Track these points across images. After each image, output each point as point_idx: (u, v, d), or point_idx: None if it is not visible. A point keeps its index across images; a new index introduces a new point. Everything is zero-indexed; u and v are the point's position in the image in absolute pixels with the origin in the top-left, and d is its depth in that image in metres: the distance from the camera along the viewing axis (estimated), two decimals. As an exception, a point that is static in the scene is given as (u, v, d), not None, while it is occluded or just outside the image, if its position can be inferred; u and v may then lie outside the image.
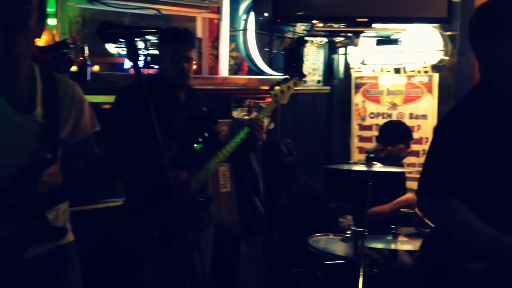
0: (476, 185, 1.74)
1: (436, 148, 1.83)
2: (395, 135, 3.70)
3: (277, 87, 2.97)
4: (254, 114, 4.15)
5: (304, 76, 3.04)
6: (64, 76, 1.91)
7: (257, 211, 3.81)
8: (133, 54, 1.63)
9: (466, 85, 4.26)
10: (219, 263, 2.97)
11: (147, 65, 3.36)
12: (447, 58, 4.52)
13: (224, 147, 2.77)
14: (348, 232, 3.22)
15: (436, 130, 1.86)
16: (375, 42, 4.61)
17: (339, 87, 4.95)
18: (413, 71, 4.64)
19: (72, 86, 1.88)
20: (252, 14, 4.31)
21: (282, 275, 3.61)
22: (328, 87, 4.90)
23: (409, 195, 3.60)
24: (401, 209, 3.61)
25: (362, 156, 4.22)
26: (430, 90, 4.58)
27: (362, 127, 4.83)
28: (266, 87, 4.30)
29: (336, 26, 4.41)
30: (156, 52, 3.17)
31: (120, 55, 3.68)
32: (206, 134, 2.65)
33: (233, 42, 4.33)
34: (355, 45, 4.42)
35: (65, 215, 1.91)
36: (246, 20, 4.30)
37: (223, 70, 4.22)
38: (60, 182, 1.86)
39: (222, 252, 3.01)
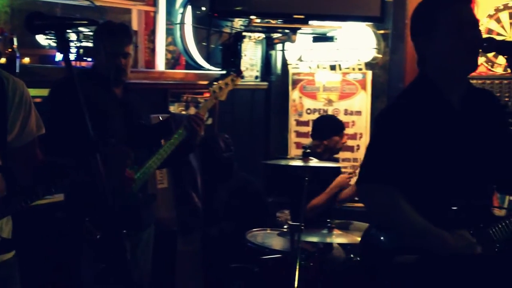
0: (415, 174, 1.79)
1: (376, 138, 1.89)
2: (328, 128, 3.79)
3: (215, 84, 2.96)
4: (192, 110, 4.12)
5: (241, 72, 3.04)
6: (10, 74, 1.78)
7: (194, 207, 3.78)
8: (63, 46, 1.57)
9: (398, 82, 4.40)
10: (156, 260, 2.93)
11: (79, 57, 3.25)
12: (380, 56, 4.65)
13: (164, 145, 2.73)
14: (285, 226, 3.25)
15: (377, 120, 1.92)
16: (312, 39, 4.68)
17: (277, 83, 4.99)
18: (348, 68, 4.74)
19: (20, 85, 1.76)
20: (189, 7, 4.26)
21: (219, 271, 3.60)
22: (266, 83, 4.92)
23: (338, 178, 3.69)
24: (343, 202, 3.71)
25: (300, 151, 4.27)
26: (364, 87, 4.69)
27: (299, 123, 4.89)
28: (204, 82, 4.27)
29: (273, 22, 4.44)
30: (90, 44, 3.08)
31: (51, 47, 3.54)
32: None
33: (170, 35, 4.26)
34: (292, 41, 4.47)
35: (9, 225, 1.80)
36: (183, 14, 4.25)
37: (160, 64, 4.16)
38: (3, 190, 1.74)
39: (158, 249, 2.96)
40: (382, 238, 1.92)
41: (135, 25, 4.06)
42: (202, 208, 3.84)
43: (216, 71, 4.40)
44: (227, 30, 4.47)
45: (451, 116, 1.84)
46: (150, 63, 4.15)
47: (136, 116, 2.76)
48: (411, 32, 1.92)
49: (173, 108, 4.08)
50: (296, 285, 2.92)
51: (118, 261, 1.62)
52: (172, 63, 4.37)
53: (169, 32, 4.25)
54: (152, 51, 4.15)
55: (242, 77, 2.98)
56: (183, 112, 4.06)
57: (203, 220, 3.84)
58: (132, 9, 4.06)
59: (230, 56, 4.30)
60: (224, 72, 4.39)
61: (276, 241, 3.38)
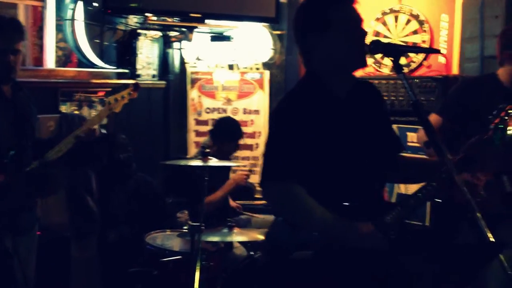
0: (313, 168, 1.82)
1: (273, 136, 1.89)
2: (223, 133, 3.81)
3: (111, 96, 2.89)
4: (85, 110, 3.96)
5: (139, 87, 2.99)
6: None
7: (89, 210, 3.64)
8: None
9: (293, 82, 4.46)
10: (48, 268, 2.78)
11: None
12: (276, 56, 4.74)
13: (51, 150, 2.60)
14: (185, 227, 3.22)
15: (271, 119, 1.93)
16: (210, 38, 4.68)
17: (175, 81, 4.93)
18: (245, 67, 4.79)
19: None
20: (80, 3, 4.09)
21: (118, 276, 3.49)
22: (163, 82, 4.84)
23: (234, 175, 3.73)
24: None
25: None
26: (261, 86, 4.76)
27: (199, 122, 4.87)
28: (98, 81, 4.13)
29: (169, 20, 4.37)
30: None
31: None
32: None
33: (60, 32, 4.07)
34: (190, 40, 4.43)
35: None
36: (74, 9, 4.06)
37: (49, 61, 3.95)
38: None
39: (50, 256, 2.81)
40: (284, 234, 1.94)
41: (21, 21, 3.82)
42: (98, 211, 3.70)
43: (110, 69, 4.26)
44: (122, 27, 4.35)
45: (339, 110, 1.90)
46: (39, 60, 3.94)
47: (26, 116, 2.63)
48: (297, 30, 1.94)
49: (64, 108, 3.89)
50: (196, 286, 2.90)
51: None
52: (63, 60, 4.17)
53: (59, 28, 4.05)
54: (40, 48, 3.94)
55: (136, 88, 2.93)
56: (76, 112, 3.89)
57: (99, 224, 3.70)
58: (18, 4, 3.84)
59: (125, 54, 4.19)
60: (120, 70, 4.29)
61: (176, 243, 3.34)
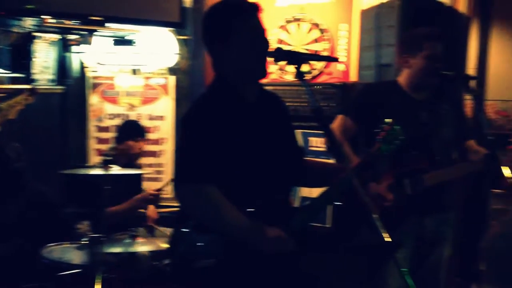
0: (226, 172, 1.82)
1: (186, 139, 1.88)
2: (123, 133, 3.71)
3: (4, 102, 2.72)
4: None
5: (34, 92, 2.84)
6: None
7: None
8: None
9: (199, 87, 4.48)
10: None
11: None
12: (182, 61, 4.69)
13: None
14: (85, 239, 3.08)
15: (184, 122, 1.90)
16: (112, 42, 4.54)
17: (74, 86, 4.72)
18: (150, 72, 4.69)
19: None
20: (-32, 3, 3.82)
21: (11, 293, 3.27)
22: (62, 87, 4.63)
23: (143, 193, 3.63)
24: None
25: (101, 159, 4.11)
26: (166, 92, 4.69)
27: (100, 129, 4.70)
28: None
29: (68, 23, 4.19)
30: None
31: None
32: None
33: None
34: (89, 43, 4.27)
35: None
36: (-39, 9, 3.79)
37: None
38: None
39: None
40: (187, 242, 1.91)
41: None
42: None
43: (4, 73, 4.01)
44: (16, 30, 4.11)
45: (249, 114, 1.92)
46: None
47: None
48: (203, 37, 1.96)
49: (-50, 114, 3.60)
50: (97, 299, 2.77)
51: None
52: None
53: None
54: None
55: (33, 94, 2.78)
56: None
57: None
58: None
59: (19, 58, 3.96)
60: (14, 75, 4.05)
61: (75, 255, 3.17)
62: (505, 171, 2.59)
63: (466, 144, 2.87)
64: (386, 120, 2.01)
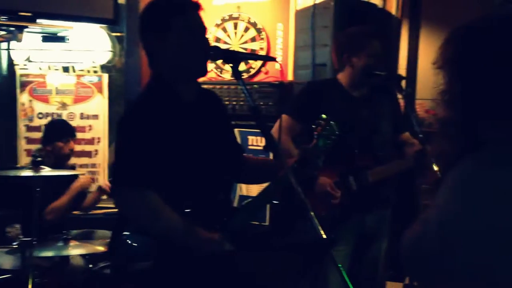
0: (166, 174, 1.79)
1: (123, 141, 1.84)
2: (51, 133, 3.60)
3: None
4: None
5: None
6: None
7: None
8: None
9: (134, 85, 4.39)
10: None
11: None
12: (116, 58, 4.59)
13: None
14: (15, 243, 2.96)
15: (121, 123, 1.86)
16: (41, 38, 4.37)
17: (3, 85, 4.53)
18: (82, 70, 4.56)
19: None
20: None
21: None
22: (-12, 85, 4.43)
23: (79, 179, 3.54)
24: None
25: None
26: (100, 90, 4.57)
27: (30, 128, 4.52)
28: None
29: (-4, 18, 4.00)
30: None
31: None
32: None
33: None
34: (19, 40, 4.09)
35: None
36: None
37: None
38: None
39: None
40: (125, 245, 1.88)
41: None
42: None
43: None
44: None
45: (188, 115, 1.90)
46: None
47: None
48: (141, 30, 1.93)
49: None
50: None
51: None
52: None
53: None
54: None
55: None
56: None
57: None
58: None
59: None
60: None
61: (5, 260, 3.05)
62: (435, 167, 2.70)
63: (402, 137, 2.97)
64: (323, 115, 2.05)
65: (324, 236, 1.57)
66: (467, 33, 1.15)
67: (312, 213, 1.60)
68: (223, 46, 4.21)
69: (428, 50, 4.41)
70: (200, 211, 1.83)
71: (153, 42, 1.89)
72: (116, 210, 2.05)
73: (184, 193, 1.84)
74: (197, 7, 1.91)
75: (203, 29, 1.92)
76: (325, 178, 2.68)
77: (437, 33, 4.48)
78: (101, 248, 2.95)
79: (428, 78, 1.26)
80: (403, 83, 2.75)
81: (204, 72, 1.94)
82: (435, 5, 4.08)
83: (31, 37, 4.27)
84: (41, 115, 4.53)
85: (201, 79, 2.00)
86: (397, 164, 2.87)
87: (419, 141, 2.77)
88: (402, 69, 4.04)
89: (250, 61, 4.17)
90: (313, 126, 1.99)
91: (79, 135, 3.96)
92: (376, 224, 2.88)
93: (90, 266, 3.13)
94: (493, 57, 1.10)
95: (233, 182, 2.16)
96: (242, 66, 4.01)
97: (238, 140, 3.82)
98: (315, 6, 3.58)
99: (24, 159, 4.45)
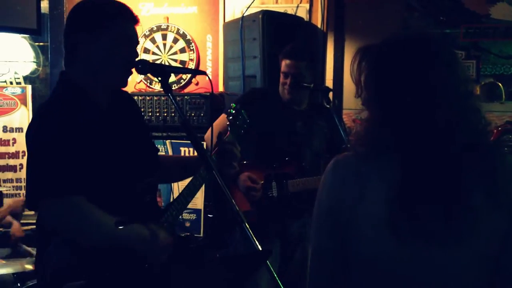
0: (88, 182, 1.73)
1: (41, 151, 1.74)
2: None
3: None
4: None
5: None
6: None
7: None
8: None
9: (61, 98, 4.29)
10: None
11: None
12: (39, 69, 4.45)
13: None
14: None
15: (34, 132, 1.79)
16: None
17: None
18: (5, 82, 4.39)
19: None
20: None
21: None
22: None
23: (10, 202, 3.41)
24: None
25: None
26: (24, 102, 4.41)
27: None
28: None
29: None
30: None
31: None
32: None
33: None
34: None
35: None
36: None
37: None
38: None
39: None
40: (55, 263, 1.81)
41: None
42: None
43: None
44: None
45: (102, 121, 1.86)
46: None
47: None
48: (70, 25, 1.87)
49: None
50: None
51: None
52: None
53: None
54: None
55: None
56: None
57: None
58: None
59: None
60: None
61: None
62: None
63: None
64: (232, 104, 2.16)
65: (260, 248, 1.60)
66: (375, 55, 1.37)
67: (247, 225, 1.63)
68: (152, 57, 4.18)
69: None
70: (129, 214, 1.79)
71: (80, 40, 1.83)
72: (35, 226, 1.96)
73: (110, 199, 1.78)
74: (135, 20, 1.90)
75: (135, 42, 1.91)
76: (246, 173, 2.77)
77: (359, 45, 4.65)
78: (31, 267, 2.85)
79: (353, 89, 1.37)
80: (330, 95, 2.86)
81: (124, 84, 1.92)
82: (357, 18, 4.25)
83: None
84: (-40, 129, 4.31)
85: (130, 91, 1.99)
86: (319, 180, 2.98)
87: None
88: (329, 81, 4.18)
89: (180, 73, 4.17)
90: (227, 117, 2.09)
91: (2, 149, 3.81)
92: (299, 229, 2.97)
93: (19, 285, 3.02)
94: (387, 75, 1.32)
95: (157, 183, 2.15)
96: (172, 77, 4.01)
97: (170, 151, 3.82)
98: (243, 18, 3.64)
99: None
